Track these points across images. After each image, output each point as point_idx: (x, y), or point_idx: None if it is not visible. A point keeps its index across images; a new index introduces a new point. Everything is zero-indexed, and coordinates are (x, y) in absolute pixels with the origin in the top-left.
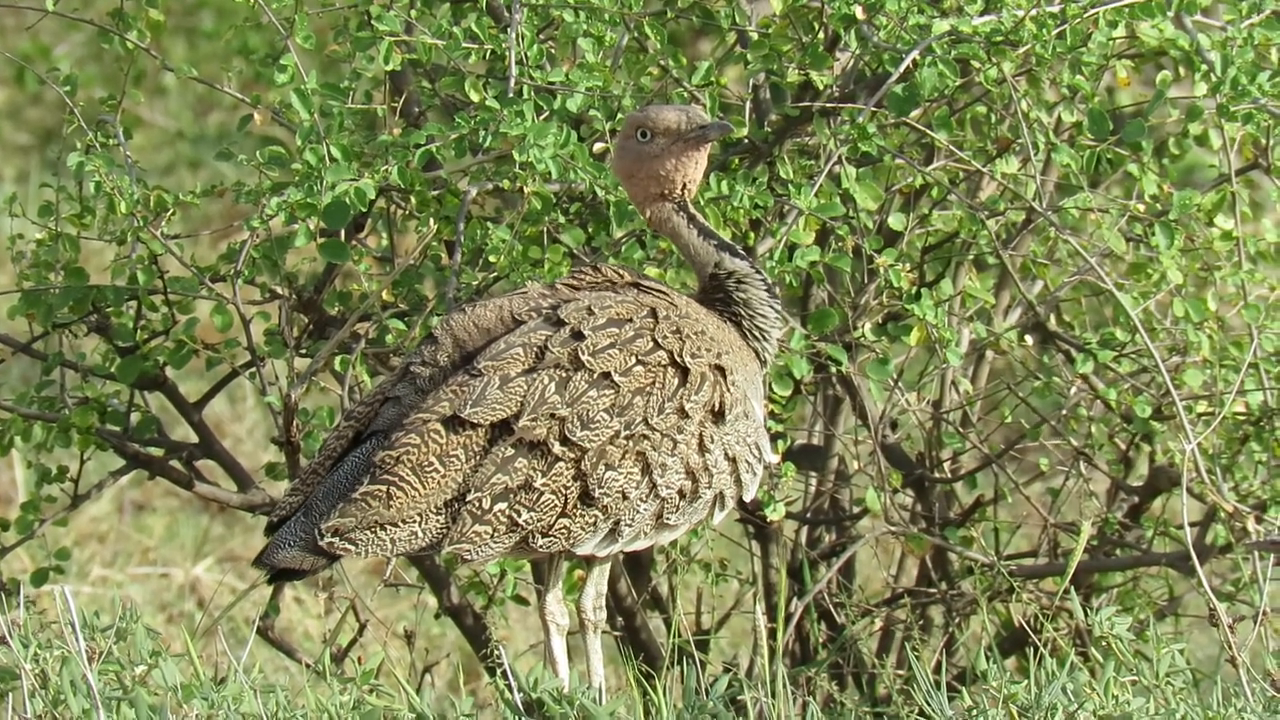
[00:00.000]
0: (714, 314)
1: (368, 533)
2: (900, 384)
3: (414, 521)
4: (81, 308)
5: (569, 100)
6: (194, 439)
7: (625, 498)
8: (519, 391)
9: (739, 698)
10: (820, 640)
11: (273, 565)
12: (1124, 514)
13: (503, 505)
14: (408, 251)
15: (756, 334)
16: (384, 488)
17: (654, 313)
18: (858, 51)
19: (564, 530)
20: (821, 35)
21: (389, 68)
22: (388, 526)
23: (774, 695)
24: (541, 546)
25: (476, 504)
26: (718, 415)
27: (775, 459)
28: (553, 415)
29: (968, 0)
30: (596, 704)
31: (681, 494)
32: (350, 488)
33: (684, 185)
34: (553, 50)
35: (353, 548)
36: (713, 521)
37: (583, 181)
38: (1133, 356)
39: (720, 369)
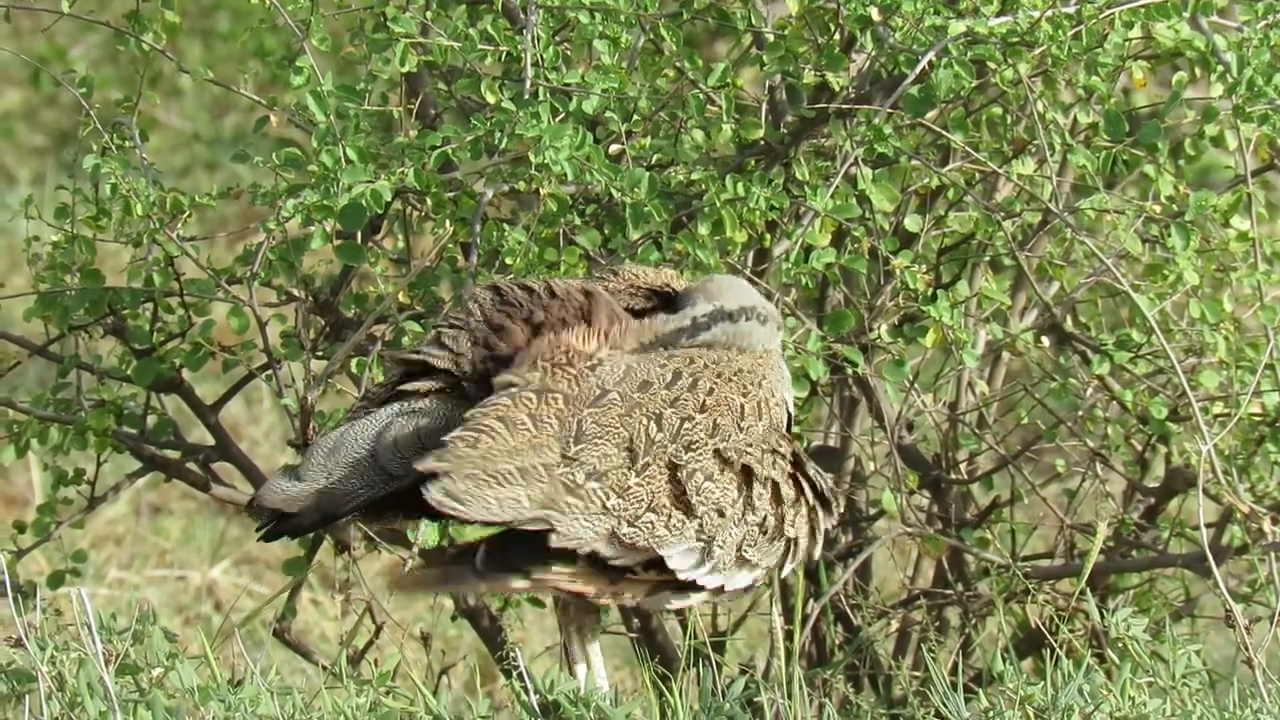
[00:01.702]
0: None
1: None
2: (916, 385)
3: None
4: (97, 310)
5: (585, 102)
6: (211, 441)
7: (721, 514)
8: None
9: (755, 699)
10: (837, 642)
11: (262, 506)
12: (1140, 515)
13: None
14: (424, 253)
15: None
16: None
17: (693, 359)
18: (874, 53)
19: (649, 525)
20: (837, 37)
21: (405, 69)
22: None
23: (790, 697)
24: (627, 537)
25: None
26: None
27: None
28: (665, 453)
29: (984, 1)
30: (613, 706)
31: (763, 529)
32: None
33: None
34: (568, 52)
35: (461, 507)
36: (782, 572)
37: (598, 183)
38: (1149, 358)
39: (765, 395)
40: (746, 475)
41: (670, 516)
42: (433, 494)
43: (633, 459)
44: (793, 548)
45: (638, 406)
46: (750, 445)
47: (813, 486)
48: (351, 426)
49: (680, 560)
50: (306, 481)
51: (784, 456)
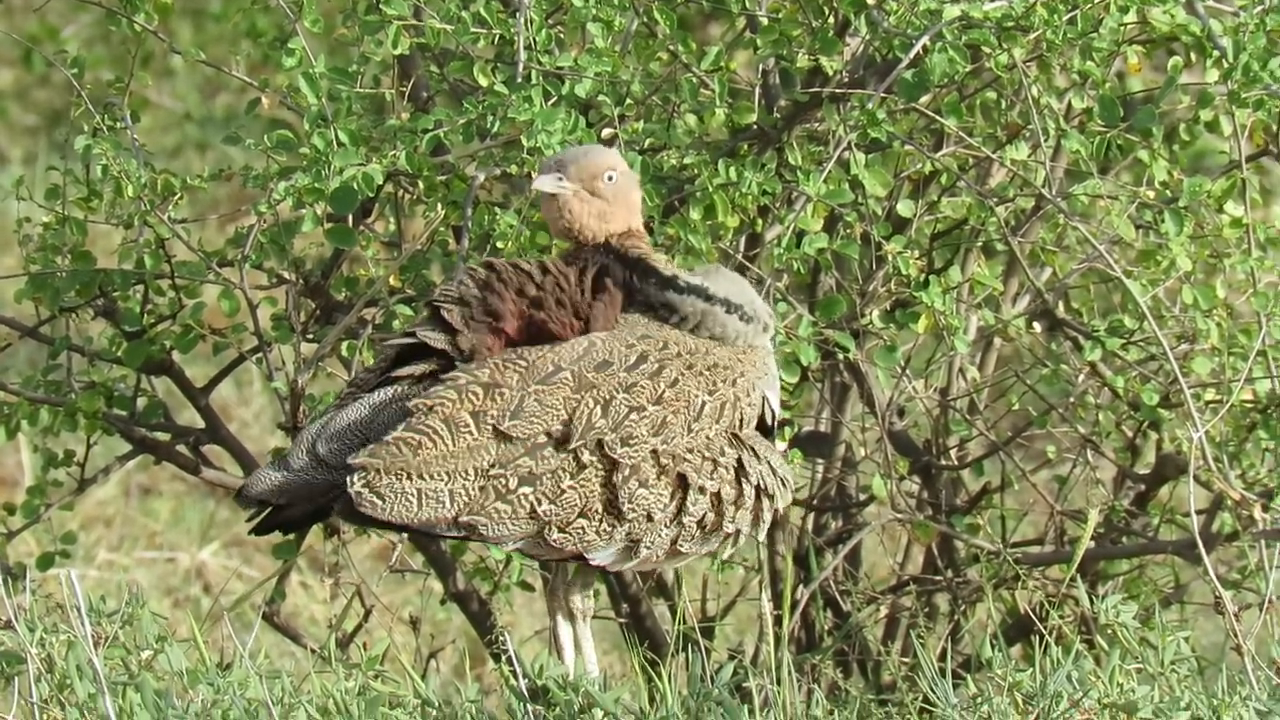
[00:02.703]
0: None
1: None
2: (908, 371)
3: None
4: (88, 291)
5: (577, 85)
6: (200, 424)
7: (650, 519)
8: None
9: (744, 685)
10: (826, 627)
11: (249, 496)
12: (1131, 501)
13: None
14: (415, 237)
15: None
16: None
17: (667, 344)
18: (868, 37)
19: (579, 531)
20: (831, 20)
21: (397, 52)
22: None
23: (779, 682)
24: (556, 542)
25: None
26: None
27: (783, 447)
28: (600, 441)
29: None
30: (602, 690)
31: (702, 525)
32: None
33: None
34: (561, 35)
35: (379, 501)
36: (724, 555)
37: None
38: (1141, 344)
39: (737, 393)
40: (681, 483)
41: (601, 522)
42: (355, 485)
43: (564, 440)
44: (734, 536)
45: (589, 388)
46: (691, 452)
47: (757, 488)
48: (338, 414)
49: (603, 559)
50: (293, 471)
51: (726, 468)
